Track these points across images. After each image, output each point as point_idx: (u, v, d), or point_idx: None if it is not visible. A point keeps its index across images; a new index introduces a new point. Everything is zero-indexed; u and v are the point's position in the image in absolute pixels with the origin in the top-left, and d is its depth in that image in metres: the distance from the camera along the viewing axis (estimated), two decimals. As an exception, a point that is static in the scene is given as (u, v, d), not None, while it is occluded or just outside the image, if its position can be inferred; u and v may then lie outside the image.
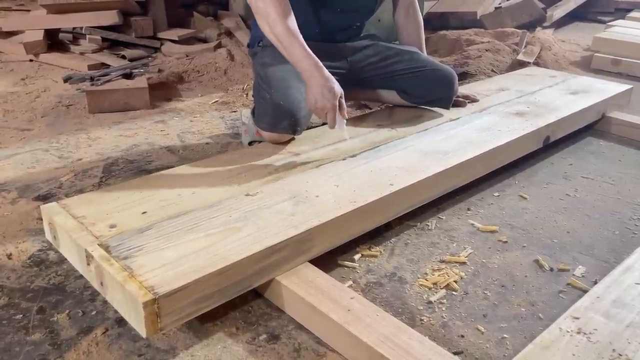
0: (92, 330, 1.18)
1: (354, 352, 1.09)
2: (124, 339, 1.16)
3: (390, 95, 2.05)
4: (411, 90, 1.98)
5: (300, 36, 1.57)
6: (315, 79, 1.53)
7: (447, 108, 2.01)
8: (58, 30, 3.40)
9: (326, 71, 1.55)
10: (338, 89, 1.54)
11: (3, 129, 2.27)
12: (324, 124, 1.79)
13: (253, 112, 1.85)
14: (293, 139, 1.75)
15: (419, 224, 1.61)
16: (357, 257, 1.44)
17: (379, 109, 2.37)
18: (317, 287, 1.20)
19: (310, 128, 1.88)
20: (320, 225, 1.29)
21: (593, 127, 2.36)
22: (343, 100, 1.57)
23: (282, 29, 1.54)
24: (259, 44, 1.87)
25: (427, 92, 1.97)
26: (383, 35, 3.37)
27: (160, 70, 3.05)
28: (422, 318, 1.23)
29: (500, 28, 4.01)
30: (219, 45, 3.41)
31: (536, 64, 3.26)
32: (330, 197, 1.40)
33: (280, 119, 1.66)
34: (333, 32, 1.91)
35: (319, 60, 1.56)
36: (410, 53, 1.98)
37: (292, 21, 1.57)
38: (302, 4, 1.78)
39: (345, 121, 1.57)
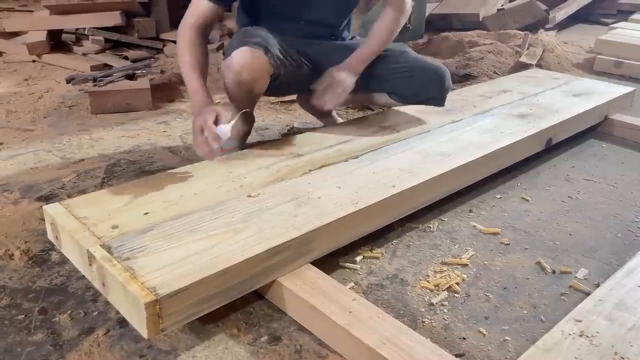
0: (94, 331, 1.18)
1: (355, 354, 1.09)
2: (126, 339, 1.16)
3: (383, 98, 1.99)
4: (402, 91, 1.90)
5: (201, 73, 1.59)
6: (195, 115, 1.51)
7: (441, 105, 1.94)
8: (61, 31, 3.40)
9: (207, 109, 1.48)
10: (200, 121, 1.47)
11: (6, 130, 2.27)
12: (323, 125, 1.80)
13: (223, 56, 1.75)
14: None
15: (420, 225, 1.61)
16: (358, 258, 1.44)
17: (381, 110, 2.37)
18: (319, 289, 1.20)
19: (310, 129, 1.88)
20: (322, 226, 1.29)
21: (595, 129, 2.36)
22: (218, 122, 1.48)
23: (184, 63, 1.60)
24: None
25: (419, 92, 1.89)
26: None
27: (162, 72, 3.05)
28: (424, 320, 1.23)
29: (503, 30, 4.01)
30: (221, 47, 3.42)
31: (538, 66, 3.26)
32: (332, 199, 1.40)
33: (249, 37, 1.63)
34: (309, 39, 1.85)
35: (209, 98, 1.55)
36: (398, 52, 1.91)
37: (199, 55, 1.61)
38: (267, 18, 1.78)
39: (225, 134, 1.44)
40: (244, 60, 1.60)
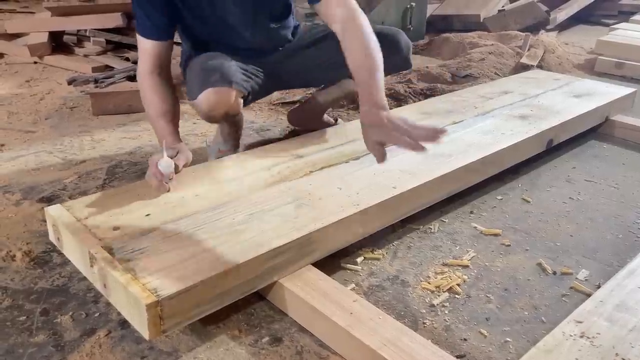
0: (95, 332, 1.18)
1: (356, 355, 1.09)
2: (127, 341, 1.16)
3: (345, 85, 1.89)
4: None
5: (167, 118, 1.53)
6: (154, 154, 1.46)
7: (409, 67, 1.84)
8: (62, 33, 3.42)
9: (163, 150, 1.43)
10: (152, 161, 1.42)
11: (7, 131, 2.28)
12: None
13: (187, 97, 1.67)
14: (241, 100, 1.60)
15: (421, 227, 1.61)
16: (359, 260, 1.44)
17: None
18: (320, 290, 1.20)
19: (311, 131, 1.88)
20: (323, 228, 1.29)
21: (596, 130, 2.36)
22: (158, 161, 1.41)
23: (148, 114, 1.57)
24: (184, 68, 1.78)
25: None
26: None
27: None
28: (425, 321, 1.23)
29: (504, 31, 4.01)
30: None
31: (539, 67, 3.26)
32: (333, 200, 1.40)
33: (209, 75, 1.54)
34: (256, 57, 1.76)
35: (175, 141, 1.51)
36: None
37: (161, 101, 1.54)
38: (205, 46, 1.71)
39: (168, 168, 1.39)
40: (211, 102, 1.54)
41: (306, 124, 2.14)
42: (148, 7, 1.51)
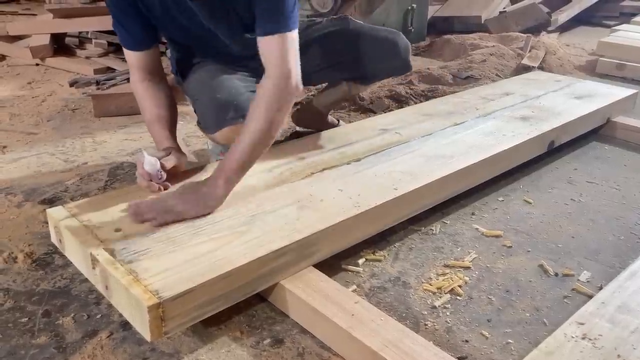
0: (97, 334, 1.18)
1: (358, 357, 1.09)
2: (129, 342, 1.16)
3: (343, 88, 1.83)
4: (359, 73, 1.72)
5: (163, 124, 1.51)
6: None
7: (409, 70, 1.82)
8: (64, 35, 3.42)
9: (151, 150, 1.42)
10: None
11: (9, 133, 2.28)
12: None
13: (197, 123, 1.66)
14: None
15: (423, 228, 1.61)
16: (361, 261, 1.45)
17: (382, 112, 2.38)
18: (321, 292, 1.20)
19: (314, 132, 1.88)
20: (325, 229, 1.29)
21: (598, 131, 2.36)
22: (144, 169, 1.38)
23: (147, 119, 1.55)
24: (176, 74, 1.77)
25: (377, 68, 1.73)
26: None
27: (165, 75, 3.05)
28: (427, 323, 1.23)
29: (505, 32, 4.01)
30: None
31: (541, 68, 3.26)
32: (334, 202, 1.40)
33: (223, 111, 1.50)
34: (241, 61, 1.69)
35: (171, 144, 1.49)
36: (337, 32, 1.71)
37: (155, 107, 1.52)
38: (197, 52, 1.69)
39: (153, 167, 1.38)
40: (229, 138, 1.50)
41: (310, 124, 2.14)
42: (124, 21, 1.49)
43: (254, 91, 1.64)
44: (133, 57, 1.54)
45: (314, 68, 1.79)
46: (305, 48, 1.77)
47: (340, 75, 1.79)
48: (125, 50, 1.55)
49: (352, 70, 1.79)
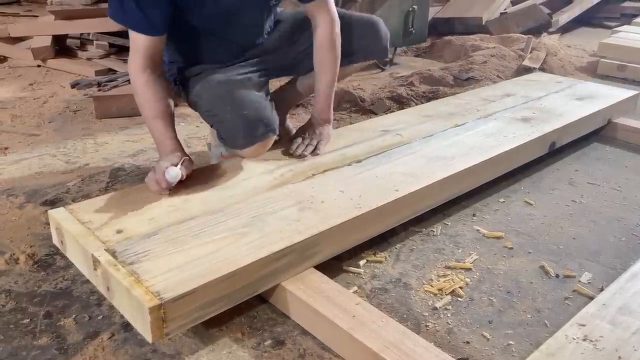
0: (99, 335, 1.19)
1: (358, 358, 1.09)
2: (130, 344, 1.17)
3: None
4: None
5: (165, 120, 1.50)
6: (160, 160, 1.45)
7: (385, 57, 1.85)
8: (66, 36, 3.43)
9: (171, 156, 1.43)
10: (159, 167, 1.42)
11: (11, 134, 2.29)
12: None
13: (220, 137, 1.68)
14: (276, 141, 1.66)
15: (424, 229, 1.61)
16: (362, 262, 1.45)
17: (383, 114, 2.38)
18: (322, 293, 1.20)
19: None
20: (326, 231, 1.29)
21: (599, 132, 2.35)
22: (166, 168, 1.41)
23: (144, 114, 1.52)
24: (175, 82, 1.74)
25: (355, 48, 1.79)
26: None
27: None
28: (428, 324, 1.23)
29: (506, 33, 4.01)
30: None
31: (542, 69, 3.26)
32: (335, 203, 1.41)
33: (253, 128, 1.56)
34: (238, 54, 1.74)
35: (175, 145, 1.49)
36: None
37: (157, 101, 1.49)
38: (197, 39, 1.67)
39: (176, 173, 1.40)
40: (258, 152, 1.63)
41: (281, 105, 2.04)
42: (144, 3, 1.44)
43: (268, 94, 1.68)
44: (142, 42, 1.48)
45: (302, 55, 1.80)
46: (294, 35, 1.79)
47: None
48: (133, 35, 1.49)
49: None
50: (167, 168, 1.38)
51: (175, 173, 1.38)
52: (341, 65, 1.81)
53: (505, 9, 4.50)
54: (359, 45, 1.82)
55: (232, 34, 1.67)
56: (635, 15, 4.70)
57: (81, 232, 1.24)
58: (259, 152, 1.63)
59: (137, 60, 1.50)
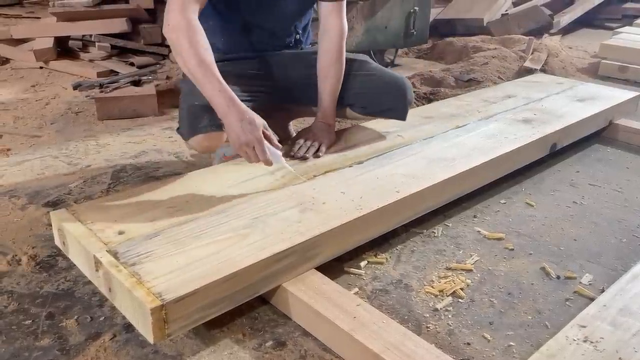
0: (100, 336, 1.19)
1: (359, 359, 1.09)
2: (132, 344, 1.17)
3: (342, 112, 1.89)
4: (362, 102, 1.82)
5: (215, 69, 1.41)
6: (231, 115, 1.39)
7: (403, 119, 1.86)
8: (68, 38, 3.44)
9: (242, 105, 1.41)
10: (259, 120, 1.41)
11: (13, 136, 2.29)
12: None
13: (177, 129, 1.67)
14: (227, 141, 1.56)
15: (425, 231, 1.61)
16: (363, 264, 1.45)
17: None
18: (323, 294, 1.20)
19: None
20: (327, 232, 1.30)
21: (600, 134, 2.36)
22: (269, 131, 1.45)
23: (195, 63, 1.39)
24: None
25: (379, 103, 1.81)
26: (389, 43, 3.40)
27: (168, 78, 3.07)
28: (428, 325, 1.23)
29: (507, 35, 4.01)
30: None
31: (543, 70, 3.26)
32: (336, 204, 1.41)
33: (197, 119, 1.52)
34: (263, 50, 1.80)
35: (235, 95, 1.41)
36: (358, 63, 1.83)
37: (207, 54, 1.41)
38: (226, 26, 1.72)
39: (280, 152, 1.46)
40: (203, 146, 1.58)
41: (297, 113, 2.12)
42: None
43: (251, 97, 1.66)
44: None
45: (307, 84, 1.81)
46: (308, 67, 1.80)
47: (346, 99, 1.83)
48: None
49: (358, 97, 1.83)
50: (270, 147, 1.41)
51: (276, 155, 1.44)
52: (355, 111, 1.87)
53: (506, 10, 4.50)
54: (383, 103, 1.83)
55: (266, 20, 1.72)
56: (637, 17, 4.70)
57: (83, 233, 1.24)
58: (204, 146, 1.57)
59: (190, 5, 1.42)
